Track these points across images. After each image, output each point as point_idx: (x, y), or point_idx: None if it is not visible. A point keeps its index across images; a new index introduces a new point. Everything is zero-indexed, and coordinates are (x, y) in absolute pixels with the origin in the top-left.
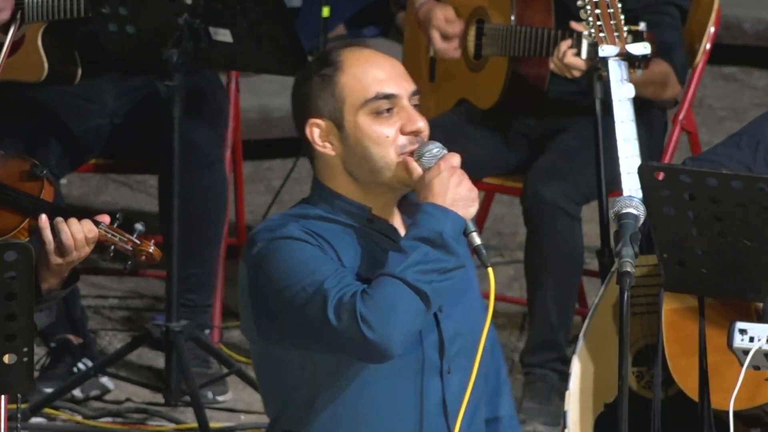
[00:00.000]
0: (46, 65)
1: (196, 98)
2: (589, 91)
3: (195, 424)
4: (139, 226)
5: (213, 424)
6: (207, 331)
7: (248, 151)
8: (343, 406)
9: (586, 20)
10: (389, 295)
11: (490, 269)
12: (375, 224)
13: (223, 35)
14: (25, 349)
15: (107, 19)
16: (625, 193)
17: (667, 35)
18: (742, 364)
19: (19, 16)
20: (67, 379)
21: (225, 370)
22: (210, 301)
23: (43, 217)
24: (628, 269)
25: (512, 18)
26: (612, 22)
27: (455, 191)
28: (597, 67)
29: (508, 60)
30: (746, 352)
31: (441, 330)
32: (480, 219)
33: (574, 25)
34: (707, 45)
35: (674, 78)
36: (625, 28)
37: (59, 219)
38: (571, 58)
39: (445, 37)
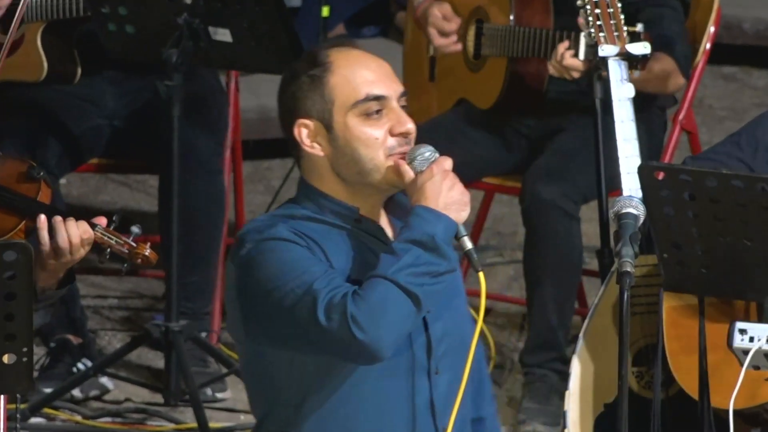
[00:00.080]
0: (45, 65)
1: (197, 104)
2: (588, 91)
3: (194, 424)
4: (135, 229)
5: (212, 424)
6: (204, 334)
7: (248, 151)
8: (332, 407)
9: (586, 20)
10: (380, 296)
11: (481, 274)
12: (363, 224)
13: (223, 35)
14: (25, 349)
15: (107, 18)
16: (625, 192)
17: (669, 28)
18: (742, 364)
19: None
20: (66, 379)
21: (224, 370)
22: (208, 309)
23: (42, 218)
24: (628, 269)
25: (511, 18)
26: (612, 21)
27: (447, 195)
28: (596, 67)
29: (507, 60)
30: (746, 352)
31: (429, 331)
32: (479, 219)
33: (581, 21)
34: (707, 45)
35: (677, 71)
36: (625, 29)
37: (57, 219)
38: (570, 60)
39: (443, 33)
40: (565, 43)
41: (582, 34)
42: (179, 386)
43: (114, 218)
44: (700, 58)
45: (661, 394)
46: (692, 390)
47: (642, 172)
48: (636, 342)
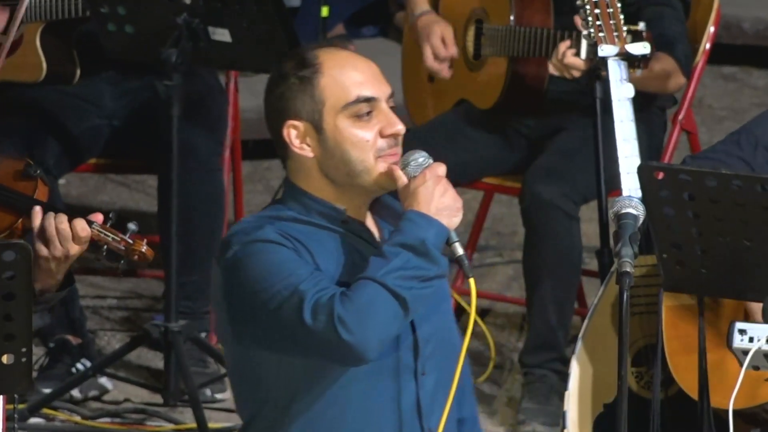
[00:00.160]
0: (44, 65)
1: (197, 104)
2: (588, 91)
3: (194, 425)
4: (131, 226)
5: (212, 425)
6: (204, 334)
7: (247, 150)
8: (320, 408)
9: (585, 20)
10: (368, 298)
11: (471, 280)
12: (349, 225)
13: (222, 35)
14: (24, 350)
15: (106, 18)
16: (625, 192)
17: (669, 28)
18: (741, 365)
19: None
20: (65, 380)
21: (223, 370)
22: (208, 309)
23: (37, 208)
24: (628, 269)
25: (511, 18)
26: (611, 21)
27: (440, 200)
28: (596, 66)
29: (507, 60)
30: (746, 352)
31: (416, 332)
32: (479, 219)
33: (578, 21)
34: (707, 44)
35: (678, 71)
36: (625, 28)
37: (49, 213)
38: (571, 59)
39: (437, 56)
40: (567, 42)
41: (583, 33)
42: (178, 386)
43: (110, 215)
44: (700, 58)
45: (660, 394)
46: (692, 390)
47: (641, 172)
48: (635, 342)
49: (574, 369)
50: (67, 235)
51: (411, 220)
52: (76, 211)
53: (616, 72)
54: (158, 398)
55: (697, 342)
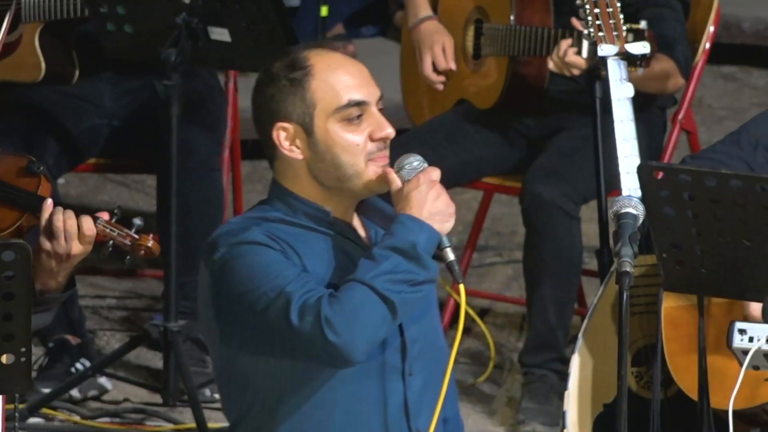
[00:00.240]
0: (43, 65)
1: (196, 104)
2: (588, 90)
3: (193, 425)
4: (137, 221)
5: (211, 425)
6: None
7: (246, 150)
8: (307, 410)
9: (585, 19)
10: (356, 300)
11: (461, 286)
12: (336, 226)
13: (221, 35)
14: (23, 349)
15: (105, 18)
16: (625, 192)
17: (669, 29)
18: (741, 365)
19: (10, 14)
20: (64, 380)
21: None
22: None
23: (49, 201)
24: (627, 269)
25: (511, 18)
26: (611, 21)
27: (432, 205)
28: (596, 66)
29: (507, 60)
30: (745, 352)
31: (404, 333)
32: (479, 219)
33: (575, 22)
34: (706, 44)
35: (677, 72)
36: (626, 27)
37: (58, 208)
38: (572, 57)
39: (435, 67)
40: (569, 40)
41: (584, 33)
42: (178, 386)
43: (116, 211)
44: (700, 58)
45: (660, 394)
46: (691, 390)
47: (641, 171)
48: (635, 342)
49: (574, 369)
50: (73, 231)
51: (403, 223)
52: (75, 211)
53: (616, 72)
54: (158, 398)
55: (696, 342)
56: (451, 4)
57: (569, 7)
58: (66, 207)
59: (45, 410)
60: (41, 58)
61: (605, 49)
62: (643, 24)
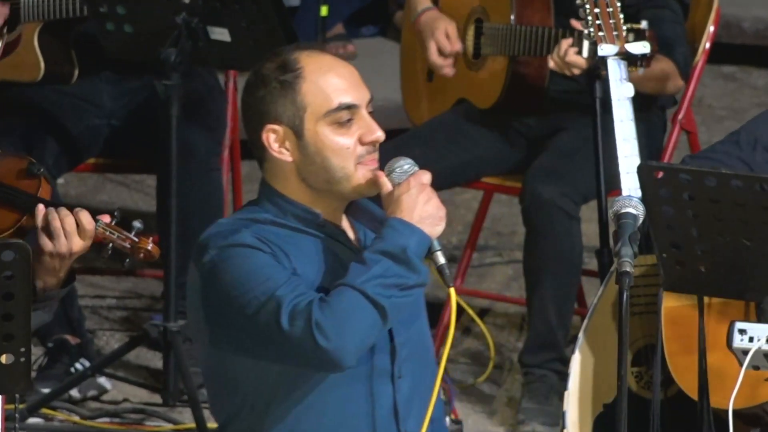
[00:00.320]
0: (42, 65)
1: (196, 104)
2: (588, 90)
3: (193, 425)
4: (137, 224)
5: (211, 425)
6: None
7: (246, 150)
8: (297, 413)
9: (585, 19)
10: (347, 305)
11: (451, 290)
12: (325, 228)
13: (221, 34)
14: (23, 349)
15: (105, 18)
16: (625, 192)
17: (668, 30)
18: (741, 365)
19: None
20: (64, 380)
21: None
22: None
23: (40, 206)
24: (627, 269)
25: (511, 17)
26: (611, 21)
27: (423, 208)
28: (596, 66)
29: (507, 59)
30: (746, 352)
31: (393, 335)
32: (478, 218)
33: (574, 23)
34: (707, 44)
35: (676, 73)
36: (626, 27)
37: (50, 208)
38: (573, 57)
39: (441, 52)
40: (569, 40)
41: (584, 32)
42: (177, 386)
43: (115, 214)
44: (700, 58)
45: (660, 394)
46: (691, 390)
47: (641, 171)
48: (635, 342)
49: (574, 369)
50: (72, 229)
51: (393, 227)
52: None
53: (616, 71)
54: (157, 398)
55: (696, 342)
56: (452, 4)
57: (570, 6)
58: (65, 206)
59: (44, 410)
60: (40, 58)
61: (605, 49)
62: (643, 24)
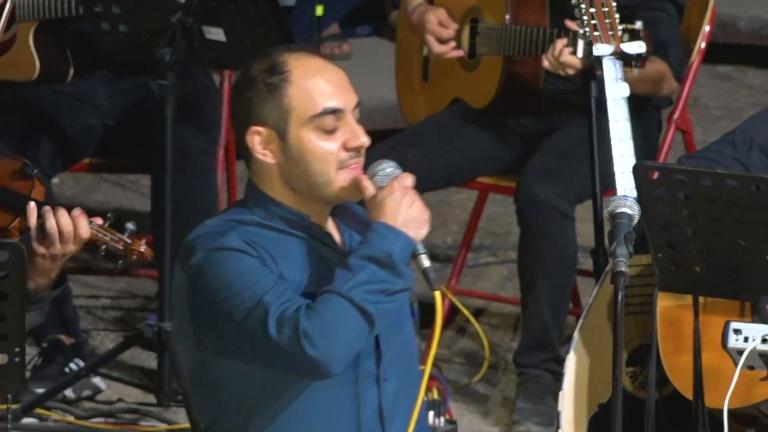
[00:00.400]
0: (37, 64)
1: (191, 104)
2: (583, 90)
3: (187, 425)
4: (130, 226)
5: None
6: None
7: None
8: (282, 416)
9: (581, 19)
10: (334, 313)
11: (437, 293)
12: (312, 231)
13: (216, 34)
14: (17, 349)
15: (100, 17)
16: (620, 192)
17: (663, 32)
18: (736, 365)
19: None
20: (58, 380)
21: None
22: None
23: (32, 204)
24: (623, 269)
25: (507, 17)
26: (606, 20)
27: (407, 212)
28: (592, 66)
29: (502, 59)
30: (741, 352)
31: (379, 339)
32: (473, 218)
33: (569, 23)
34: (702, 44)
35: (670, 75)
36: (621, 27)
37: (46, 207)
38: (567, 57)
39: (441, 40)
40: (564, 40)
41: (579, 32)
42: (172, 386)
43: (109, 215)
44: (696, 57)
45: (655, 394)
46: (686, 390)
47: (637, 171)
48: (630, 342)
49: (569, 369)
50: (68, 229)
51: (377, 232)
52: (69, 210)
53: (611, 71)
54: (151, 398)
55: (691, 342)
56: (447, 3)
57: (565, 7)
58: (59, 207)
59: (39, 410)
60: (35, 57)
61: (601, 49)
62: (638, 24)
